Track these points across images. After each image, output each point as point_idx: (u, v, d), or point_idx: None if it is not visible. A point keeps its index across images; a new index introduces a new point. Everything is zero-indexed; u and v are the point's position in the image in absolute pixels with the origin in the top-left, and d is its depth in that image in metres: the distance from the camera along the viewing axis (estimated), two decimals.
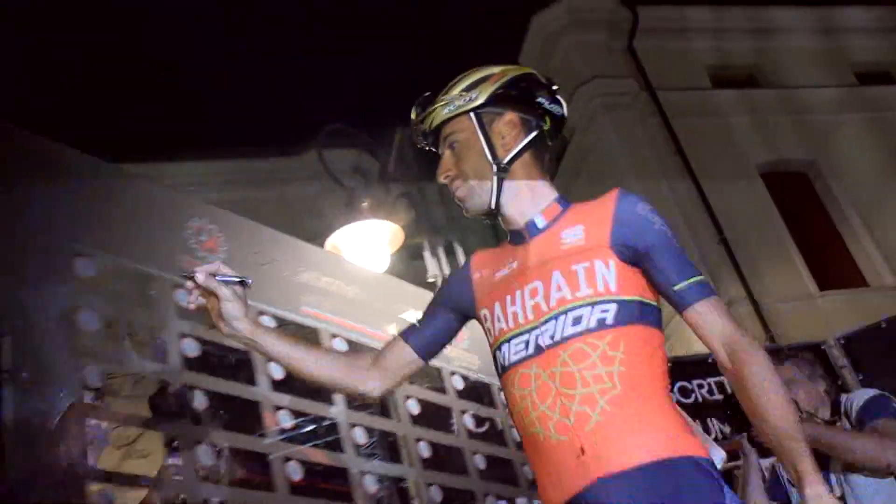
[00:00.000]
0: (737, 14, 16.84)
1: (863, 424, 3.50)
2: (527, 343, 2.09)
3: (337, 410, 3.39)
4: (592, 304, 2.04)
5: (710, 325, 2.05)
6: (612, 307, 2.04)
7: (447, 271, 7.57)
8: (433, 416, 3.95)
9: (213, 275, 2.26)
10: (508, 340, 2.14)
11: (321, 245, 6.46)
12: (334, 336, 3.66)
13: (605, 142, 15.00)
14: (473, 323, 2.38)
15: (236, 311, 2.24)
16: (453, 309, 2.38)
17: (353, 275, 3.86)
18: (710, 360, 6.28)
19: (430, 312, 2.42)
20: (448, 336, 2.42)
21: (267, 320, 3.33)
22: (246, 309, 2.29)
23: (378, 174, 13.08)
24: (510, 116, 2.24)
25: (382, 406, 3.70)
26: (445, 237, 8.27)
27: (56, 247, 2.76)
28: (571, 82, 15.25)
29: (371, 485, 3.38)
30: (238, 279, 2.31)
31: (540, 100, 2.26)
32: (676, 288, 2.07)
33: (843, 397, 3.76)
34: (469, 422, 4.07)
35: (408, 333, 2.42)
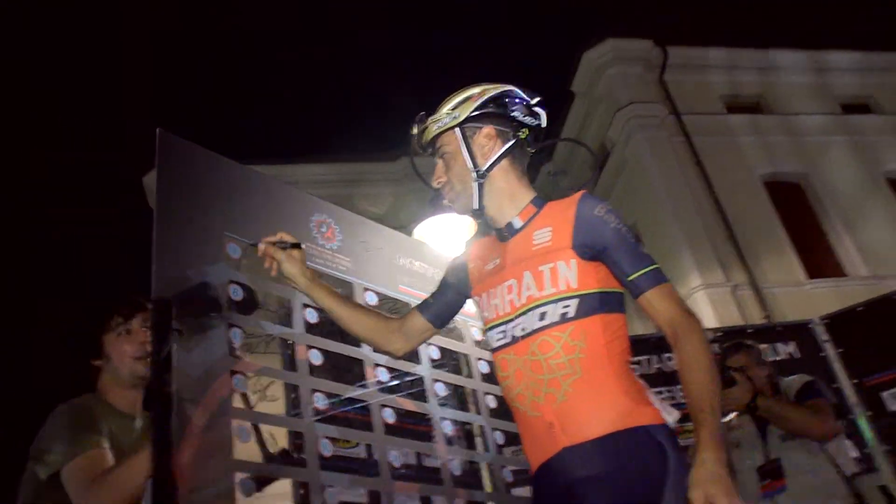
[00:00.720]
0: (747, 55, 16.50)
1: (800, 402, 3.49)
2: (504, 333, 2.05)
3: (422, 368, 3.36)
4: (556, 301, 1.96)
5: (657, 309, 1.96)
6: (574, 302, 1.96)
7: None
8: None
9: (273, 243, 2.36)
10: (492, 328, 2.09)
11: (409, 234, 6.27)
12: None
13: (639, 155, 14.78)
14: None
15: (294, 269, 2.32)
16: (456, 290, 2.33)
17: (436, 258, 3.83)
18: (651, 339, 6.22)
19: (439, 290, 2.37)
20: (456, 308, 2.37)
21: (371, 296, 3.31)
22: (303, 267, 2.36)
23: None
24: (488, 130, 2.15)
25: (456, 366, 3.67)
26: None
27: (213, 234, 2.77)
28: (613, 106, 15.13)
29: (447, 428, 3.35)
30: (291, 244, 2.35)
31: (514, 113, 2.16)
32: (630, 278, 1.97)
33: (782, 381, 3.71)
34: None
35: (422, 307, 2.38)
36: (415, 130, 2.25)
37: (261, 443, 2.55)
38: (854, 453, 6.12)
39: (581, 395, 1.91)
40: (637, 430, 1.88)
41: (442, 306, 2.36)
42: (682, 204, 13.88)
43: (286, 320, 2.93)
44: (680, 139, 14.96)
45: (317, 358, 2.92)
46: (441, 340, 3.46)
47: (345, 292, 3.07)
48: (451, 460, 3.24)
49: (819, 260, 14.22)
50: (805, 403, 3.48)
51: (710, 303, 12.70)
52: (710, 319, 12.11)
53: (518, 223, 2.12)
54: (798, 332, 6.78)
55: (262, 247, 2.37)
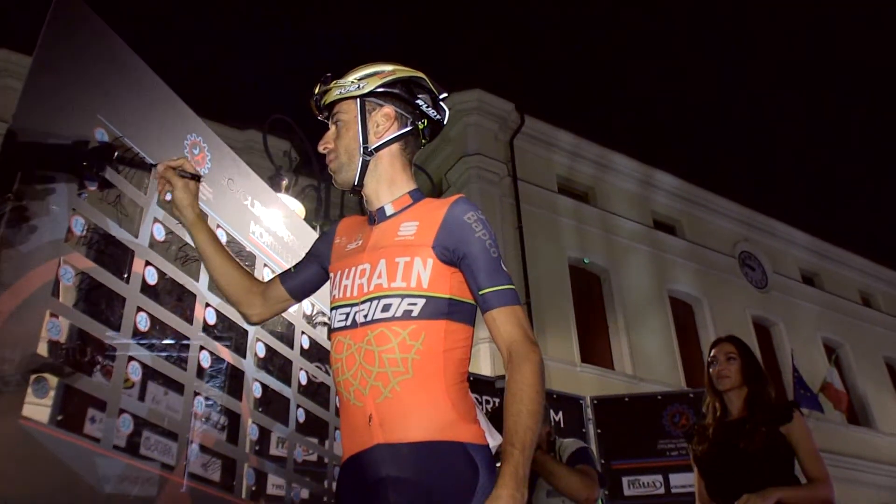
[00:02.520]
0: (588, 147, 17.28)
1: (572, 465, 3.59)
2: (347, 316, 1.93)
3: (252, 329, 3.17)
4: (402, 296, 1.86)
5: (501, 330, 1.86)
6: (421, 302, 1.85)
7: None
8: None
9: (174, 168, 2.19)
10: (336, 308, 1.98)
11: None
12: (265, 265, 3.44)
13: None
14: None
15: (185, 201, 2.19)
16: (319, 263, 2.19)
17: (293, 223, 3.65)
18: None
19: (303, 262, 2.23)
20: (317, 284, 2.23)
21: (220, 234, 3.08)
22: (194, 201, 2.22)
23: (297, 166, 12.90)
24: (388, 110, 2.05)
25: (283, 334, 3.49)
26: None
27: (85, 111, 2.48)
28: (460, 151, 15.40)
29: (256, 391, 3.16)
30: (191, 174, 2.18)
31: (419, 101, 2.07)
32: (482, 292, 1.87)
33: (558, 441, 3.82)
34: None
35: (284, 276, 2.24)
36: (317, 90, 2.10)
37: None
38: None
39: (407, 397, 1.81)
40: (455, 444, 1.79)
41: (304, 279, 2.22)
42: None
43: (133, 228, 2.65)
44: (510, 201, 15.40)
45: (151, 276, 2.66)
46: None
47: None
48: (252, 424, 3.05)
49: (594, 348, 15.00)
50: (576, 467, 3.57)
51: (490, 356, 13.04)
52: (486, 370, 12.41)
53: (390, 210, 2.02)
54: (569, 403, 7.16)
55: (160, 168, 2.19)
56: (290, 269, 2.26)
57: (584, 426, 7.08)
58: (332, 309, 2.00)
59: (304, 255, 2.25)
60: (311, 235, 3.89)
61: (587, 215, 16.51)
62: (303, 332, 3.58)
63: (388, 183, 2.05)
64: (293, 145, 13.34)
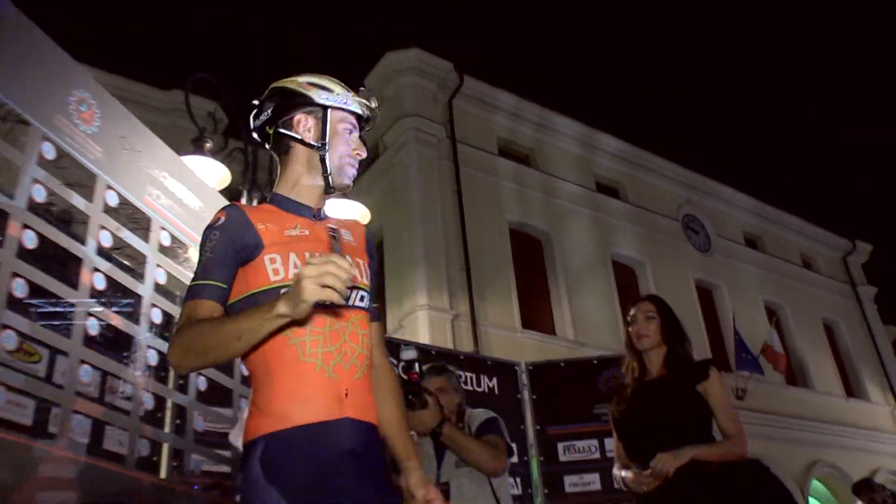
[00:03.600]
0: (529, 108, 17.25)
1: (479, 436, 3.62)
2: None
3: (144, 288, 3.09)
4: (367, 293, 2.18)
5: (378, 338, 2.26)
6: (369, 301, 2.19)
7: None
8: None
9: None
10: None
11: None
12: (163, 228, 3.35)
13: (406, 166, 14.96)
14: None
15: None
16: (237, 257, 2.08)
17: (199, 188, 3.55)
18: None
19: (224, 267, 2.06)
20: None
21: (112, 196, 3.00)
22: None
23: (224, 128, 12.64)
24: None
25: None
26: (262, 194, 8.01)
27: None
28: (397, 112, 15.23)
29: (152, 358, 3.10)
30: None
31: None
32: (374, 305, 2.23)
33: (468, 412, 3.85)
34: None
35: (217, 296, 2.04)
36: (375, 105, 2.30)
37: None
38: (515, 490, 6.57)
39: (367, 382, 2.12)
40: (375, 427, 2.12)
41: (229, 287, 2.10)
42: (432, 225, 14.18)
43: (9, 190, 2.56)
44: (449, 164, 15.33)
45: (31, 241, 2.58)
46: (173, 267, 3.20)
47: (87, 185, 2.74)
48: (145, 392, 2.99)
49: (535, 313, 15.09)
50: (483, 437, 3.61)
51: (428, 323, 13.02)
52: (425, 339, 12.44)
53: (323, 213, 2.25)
54: (504, 370, 7.17)
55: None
56: (218, 284, 2.06)
57: (519, 392, 7.12)
58: (279, 287, 2.00)
59: (213, 258, 2.05)
60: (221, 201, 3.79)
61: (528, 178, 16.53)
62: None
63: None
64: (220, 106, 13.07)
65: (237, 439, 2.72)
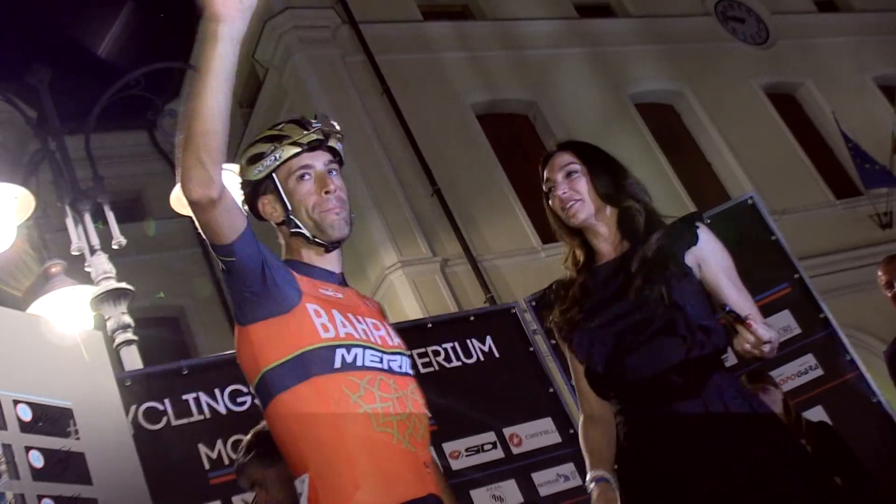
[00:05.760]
0: None
1: None
2: (381, 360, 2.57)
3: None
4: (407, 356, 2.70)
5: None
6: None
7: (95, 242, 7.26)
8: None
9: None
10: (362, 347, 2.54)
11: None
12: None
13: (301, 83, 14.80)
14: None
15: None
16: (267, 263, 2.48)
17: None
18: None
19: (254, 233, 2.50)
20: (251, 260, 2.46)
21: None
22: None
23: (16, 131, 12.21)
24: None
25: None
26: (94, 200, 7.69)
27: None
28: (262, 13, 14.69)
29: None
30: None
31: None
32: None
33: None
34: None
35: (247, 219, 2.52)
36: (316, 121, 2.70)
37: None
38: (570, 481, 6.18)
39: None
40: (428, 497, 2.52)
41: (253, 237, 2.48)
42: (366, 152, 13.84)
43: None
44: (359, 59, 15.01)
45: None
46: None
47: None
48: None
49: None
50: None
51: (410, 286, 12.80)
52: (414, 308, 12.42)
53: (345, 280, 2.80)
54: (496, 321, 6.72)
55: None
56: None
57: (529, 343, 6.66)
58: (348, 346, 2.52)
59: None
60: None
61: (478, 36, 16.33)
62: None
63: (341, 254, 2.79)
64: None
65: None
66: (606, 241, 3.29)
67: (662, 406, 2.95)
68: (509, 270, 13.57)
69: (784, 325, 5.78)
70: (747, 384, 5.33)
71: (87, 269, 7.15)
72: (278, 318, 2.46)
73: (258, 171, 2.62)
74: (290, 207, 2.62)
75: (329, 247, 2.64)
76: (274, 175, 2.63)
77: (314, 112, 2.70)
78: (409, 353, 2.70)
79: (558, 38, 16.79)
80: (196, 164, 2.31)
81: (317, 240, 2.62)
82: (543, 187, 3.38)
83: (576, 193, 3.24)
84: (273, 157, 2.60)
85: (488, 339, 6.55)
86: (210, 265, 15.97)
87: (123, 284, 6.90)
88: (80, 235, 7.25)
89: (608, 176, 3.30)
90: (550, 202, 3.34)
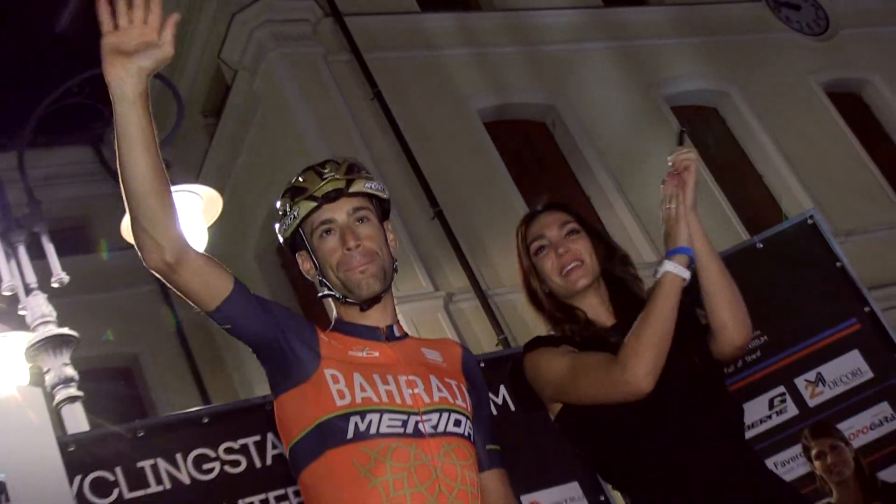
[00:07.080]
0: None
1: None
2: (404, 423, 2.65)
3: None
4: (466, 417, 2.77)
5: (499, 491, 2.89)
6: (470, 427, 2.78)
7: (32, 279, 7.39)
8: None
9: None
10: (379, 412, 2.64)
11: None
12: None
13: (278, 87, 14.94)
14: None
15: (147, 67, 2.42)
16: (283, 330, 2.70)
17: None
18: None
19: (257, 297, 2.72)
20: (252, 328, 2.68)
21: None
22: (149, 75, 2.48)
23: None
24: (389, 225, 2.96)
25: None
26: (30, 230, 7.81)
27: None
28: (228, 7, 14.89)
29: None
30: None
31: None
32: (489, 447, 2.91)
33: None
34: None
35: (239, 283, 2.65)
36: (332, 168, 2.83)
37: None
38: None
39: None
40: None
41: (254, 306, 2.68)
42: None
43: None
44: (345, 57, 15.10)
45: None
46: None
47: None
48: None
49: None
50: None
51: (410, 325, 12.68)
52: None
53: (398, 332, 2.89)
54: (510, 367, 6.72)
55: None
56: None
57: None
58: (361, 412, 2.65)
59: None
60: None
61: (486, 29, 16.41)
62: None
63: (392, 302, 2.92)
64: None
65: None
66: (601, 309, 3.39)
67: None
68: (525, 307, 13.38)
69: (853, 368, 5.64)
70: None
71: (21, 312, 7.16)
72: (299, 387, 2.66)
73: (283, 230, 2.86)
74: (318, 267, 2.82)
75: (363, 306, 2.77)
76: (301, 230, 2.83)
77: (332, 155, 2.75)
78: (459, 406, 2.76)
79: (580, 31, 16.88)
80: (140, 232, 2.48)
81: (348, 300, 2.78)
82: (530, 246, 3.42)
83: (578, 254, 3.33)
84: (292, 216, 2.81)
85: (501, 390, 6.54)
86: (170, 305, 16.00)
87: (65, 330, 6.93)
88: (12, 272, 7.32)
89: (604, 241, 3.47)
90: (538, 265, 3.40)
